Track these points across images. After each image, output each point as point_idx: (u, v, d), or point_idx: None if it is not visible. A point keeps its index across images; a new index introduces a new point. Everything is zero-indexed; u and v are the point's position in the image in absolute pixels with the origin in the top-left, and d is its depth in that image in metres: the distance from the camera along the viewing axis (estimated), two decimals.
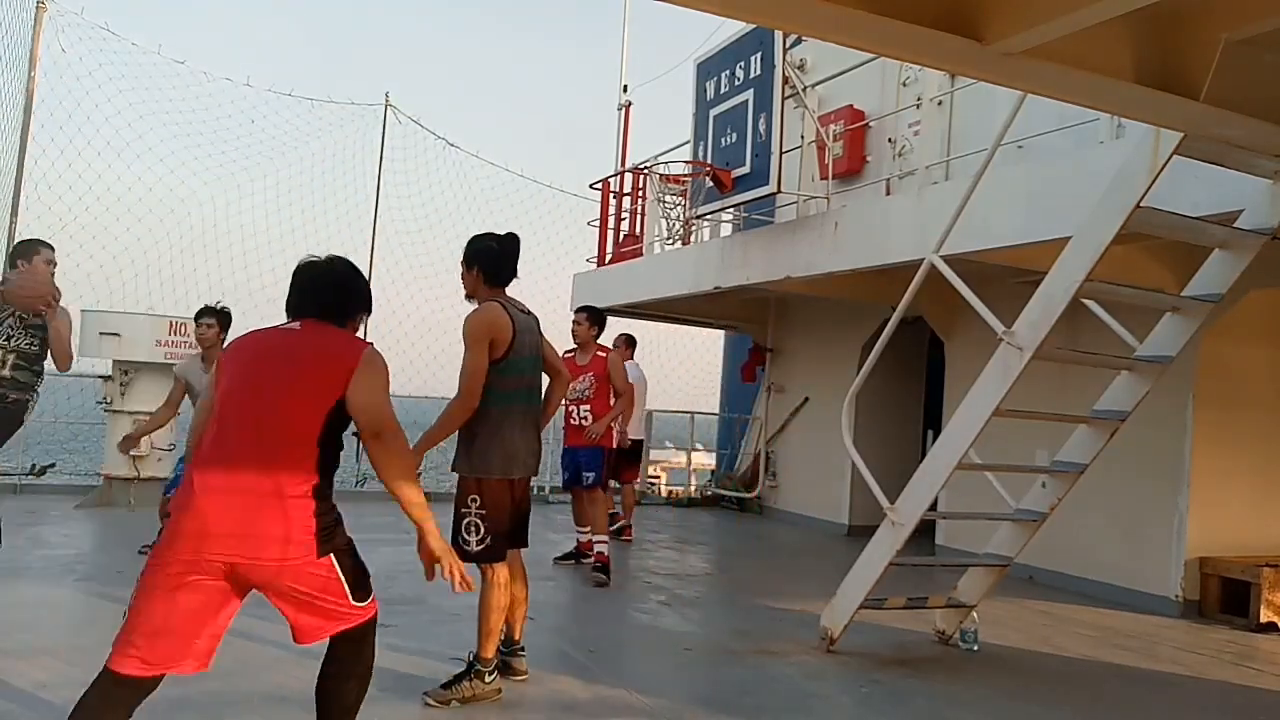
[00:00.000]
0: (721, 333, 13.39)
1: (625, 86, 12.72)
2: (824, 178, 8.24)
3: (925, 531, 7.08)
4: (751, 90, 7.99)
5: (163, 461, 8.16)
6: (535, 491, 9.43)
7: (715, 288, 8.87)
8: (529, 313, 4.05)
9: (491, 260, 3.95)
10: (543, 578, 6.32)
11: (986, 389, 4.59)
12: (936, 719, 4.04)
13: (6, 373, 4.52)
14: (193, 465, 2.54)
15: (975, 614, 5.17)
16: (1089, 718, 4.20)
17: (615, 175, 11.44)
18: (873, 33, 2.94)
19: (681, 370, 14.21)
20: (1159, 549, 6.49)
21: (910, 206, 6.75)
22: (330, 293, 2.80)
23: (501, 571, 3.83)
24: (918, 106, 7.65)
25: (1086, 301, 4.88)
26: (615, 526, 8.03)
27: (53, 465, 9.43)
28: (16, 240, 8.68)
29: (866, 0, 2.76)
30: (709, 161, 8.59)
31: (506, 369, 3.83)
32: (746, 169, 8.03)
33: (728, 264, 8.72)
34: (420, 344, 11.69)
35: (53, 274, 4.71)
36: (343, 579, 2.56)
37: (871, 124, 8.78)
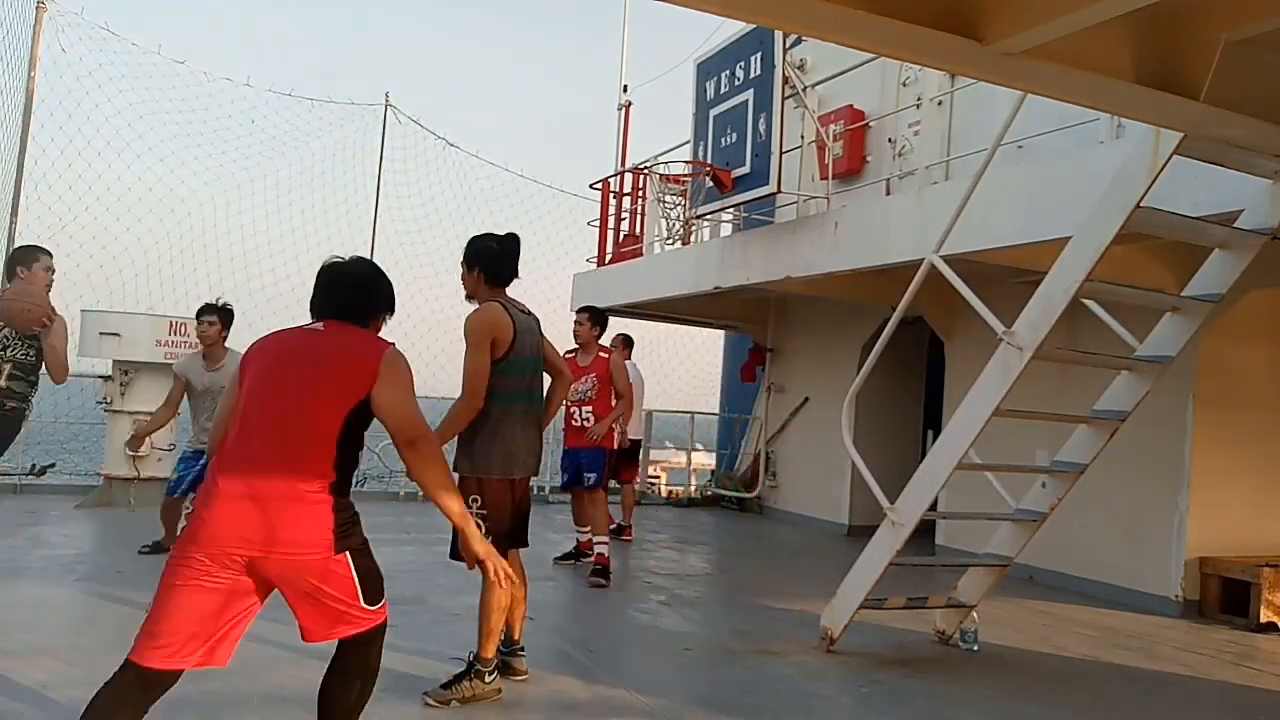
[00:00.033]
0: (721, 333, 13.39)
1: (625, 86, 12.72)
2: (824, 178, 8.23)
3: (925, 531, 7.08)
4: (751, 90, 7.99)
5: (162, 461, 8.15)
6: (535, 491, 9.43)
7: (715, 288, 8.87)
8: (529, 313, 4.05)
9: (492, 261, 3.95)
10: (543, 578, 6.32)
11: (986, 389, 4.59)
12: (936, 719, 4.04)
13: (3, 383, 4.52)
14: (216, 463, 2.58)
15: (975, 614, 5.17)
16: (1089, 718, 4.20)
17: (615, 175, 11.43)
18: (873, 33, 2.94)
19: (681, 370, 14.23)
20: (1159, 549, 6.49)
21: (910, 206, 6.75)
22: (350, 293, 2.83)
23: None
24: (918, 106, 7.65)
25: (1086, 301, 4.88)
26: (612, 528, 8.02)
27: (53, 465, 9.43)
28: (16, 241, 8.73)
29: (866, 0, 2.76)
30: (709, 161, 8.59)
31: (507, 369, 3.83)
32: (746, 169, 8.03)
33: (728, 264, 8.72)
34: (420, 344, 11.68)
35: (51, 281, 4.71)
36: (356, 579, 2.57)
37: (871, 124, 8.78)
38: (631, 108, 12.66)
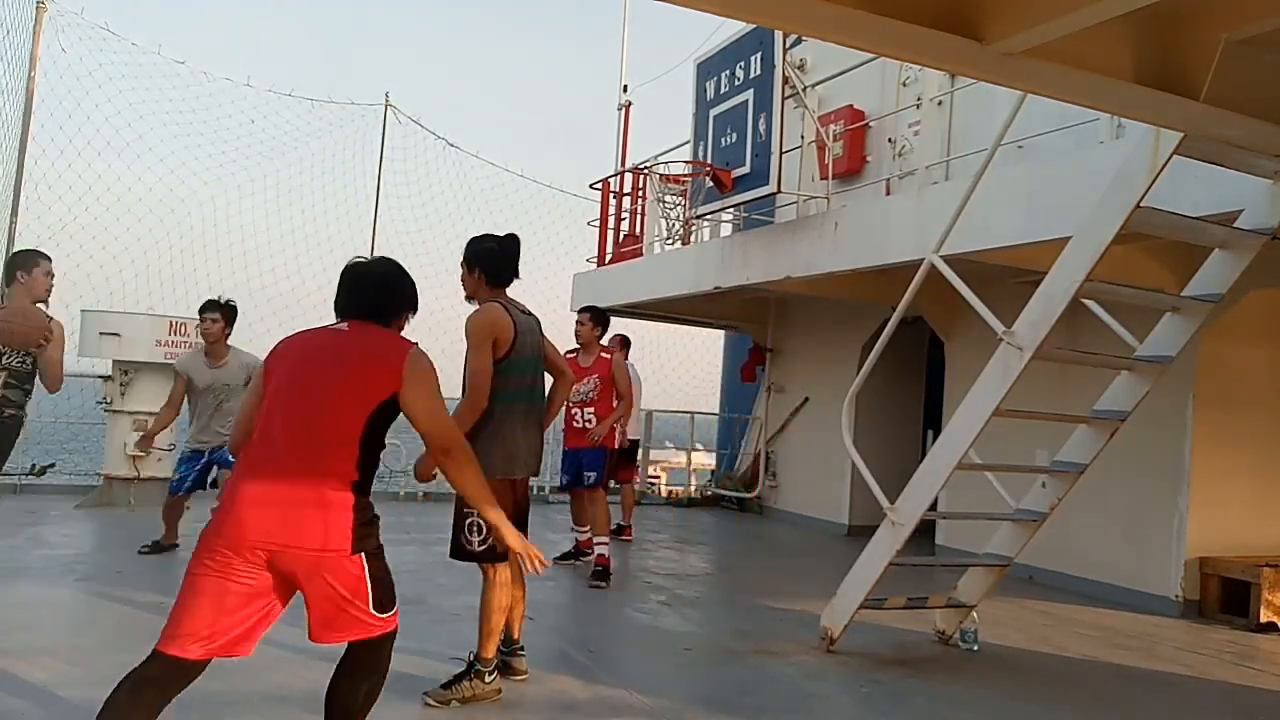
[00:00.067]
0: (721, 333, 13.39)
1: (625, 86, 12.72)
2: (824, 178, 8.23)
3: (925, 531, 7.08)
4: (751, 90, 7.98)
5: (162, 462, 8.15)
6: (535, 491, 9.43)
7: (715, 288, 8.87)
8: (530, 313, 4.06)
9: (493, 261, 3.96)
10: (542, 578, 6.31)
11: (986, 389, 4.59)
12: (936, 719, 4.04)
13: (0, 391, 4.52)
14: (241, 461, 2.63)
15: (975, 614, 5.17)
16: (1089, 718, 4.20)
17: (615, 175, 11.44)
18: (873, 33, 2.94)
19: (681, 370, 14.23)
20: (1159, 549, 6.49)
21: (910, 206, 6.75)
22: (373, 293, 2.86)
23: (503, 571, 3.84)
24: (918, 106, 7.65)
25: (1086, 301, 4.88)
26: (612, 528, 8.02)
27: (53, 465, 9.41)
28: (16, 242, 8.72)
29: (866, 0, 2.76)
30: (709, 161, 8.59)
31: (508, 369, 3.84)
32: (746, 169, 8.03)
33: (728, 264, 8.72)
34: (420, 344, 11.68)
35: (51, 286, 4.71)
36: (369, 584, 2.59)
37: (871, 124, 8.78)
38: (631, 108, 12.66)
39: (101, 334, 8.23)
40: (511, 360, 3.85)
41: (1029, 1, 2.85)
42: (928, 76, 7.47)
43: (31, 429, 8.00)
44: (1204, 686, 4.82)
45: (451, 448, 2.76)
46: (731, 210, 9.40)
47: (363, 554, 2.57)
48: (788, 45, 7.83)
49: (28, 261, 4.64)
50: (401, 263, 3.02)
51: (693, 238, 10.07)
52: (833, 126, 8.67)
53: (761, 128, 7.80)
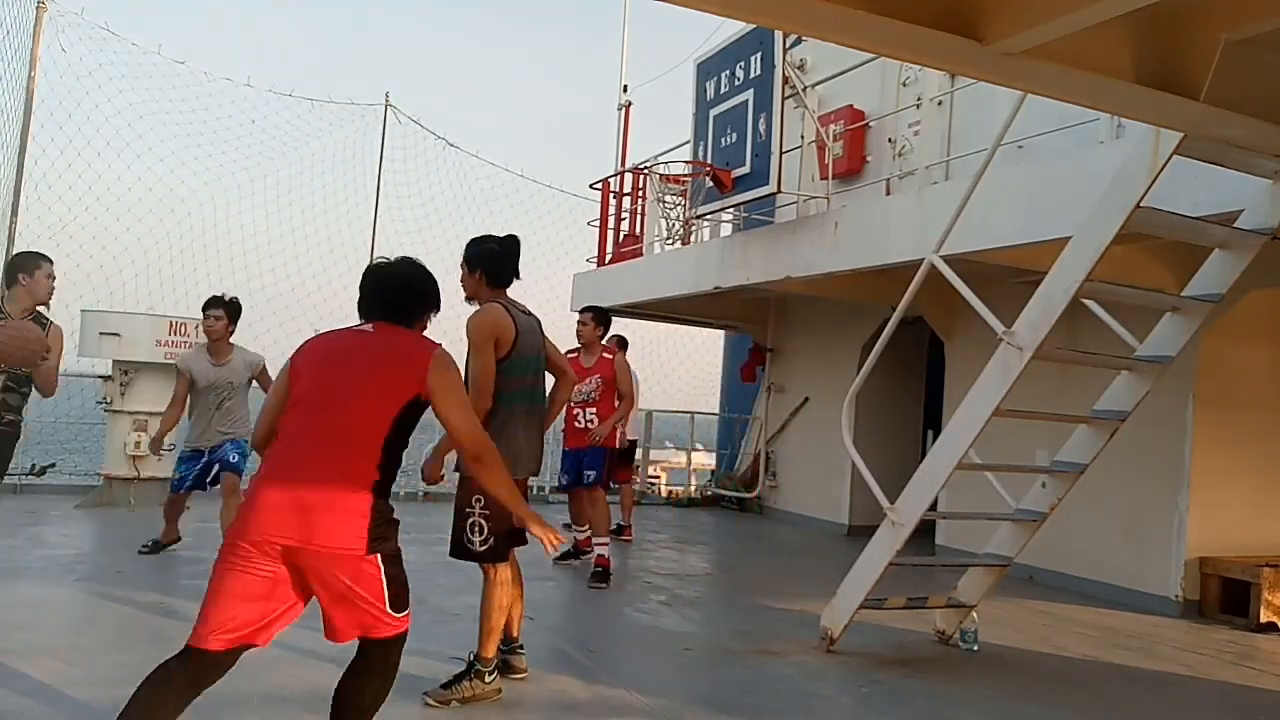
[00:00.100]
0: (721, 333, 13.39)
1: (625, 86, 12.72)
2: (824, 178, 8.23)
3: (925, 531, 7.08)
4: (751, 90, 7.98)
5: (162, 461, 8.14)
6: (535, 491, 9.44)
7: (715, 288, 8.87)
8: (530, 314, 4.06)
9: (493, 262, 3.97)
10: (542, 578, 6.32)
11: (986, 389, 4.59)
12: (936, 719, 4.04)
13: None
14: (265, 459, 2.69)
15: (975, 614, 5.17)
16: (1089, 718, 4.20)
17: (615, 175, 11.44)
18: (873, 33, 2.94)
19: (681, 370, 14.23)
20: (1159, 549, 6.49)
21: (910, 206, 6.75)
22: (397, 295, 2.90)
23: (504, 571, 3.85)
24: (918, 106, 7.65)
25: (1086, 301, 4.88)
26: (612, 528, 8.02)
27: (53, 465, 9.41)
28: (16, 242, 8.71)
29: (866, 0, 2.76)
30: (709, 161, 8.59)
31: (510, 369, 3.85)
32: (746, 169, 8.03)
33: (728, 264, 8.72)
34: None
35: (53, 288, 4.70)
36: (385, 584, 2.62)
37: (871, 124, 8.78)
38: (631, 108, 12.67)
39: (101, 334, 8.23)
40: (513, 361, 3.86)
41: (1029, 1, 2.85)
42: (928, 76, 7.47)
43: (31, 429, 8.01)
44: (1204, 686, 4.82)
45: (483, 454, 2.84)
46: (731, 210, 9.40)
47: (379, 555, 2.60)
48: (788, 45, 7.83)
49: (30, 263, 4.63)
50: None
51: (693, 238, 10.07)
52: (833, 126, 8.67)
53: (761, 128, 7.80)
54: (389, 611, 2.65)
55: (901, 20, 2.81)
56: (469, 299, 4.00)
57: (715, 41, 8.68)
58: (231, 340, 6.11)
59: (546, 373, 4.18)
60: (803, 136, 8.47)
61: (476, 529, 3.78)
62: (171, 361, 7.32)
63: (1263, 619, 6.02)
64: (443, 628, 4.83)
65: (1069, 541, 6.80)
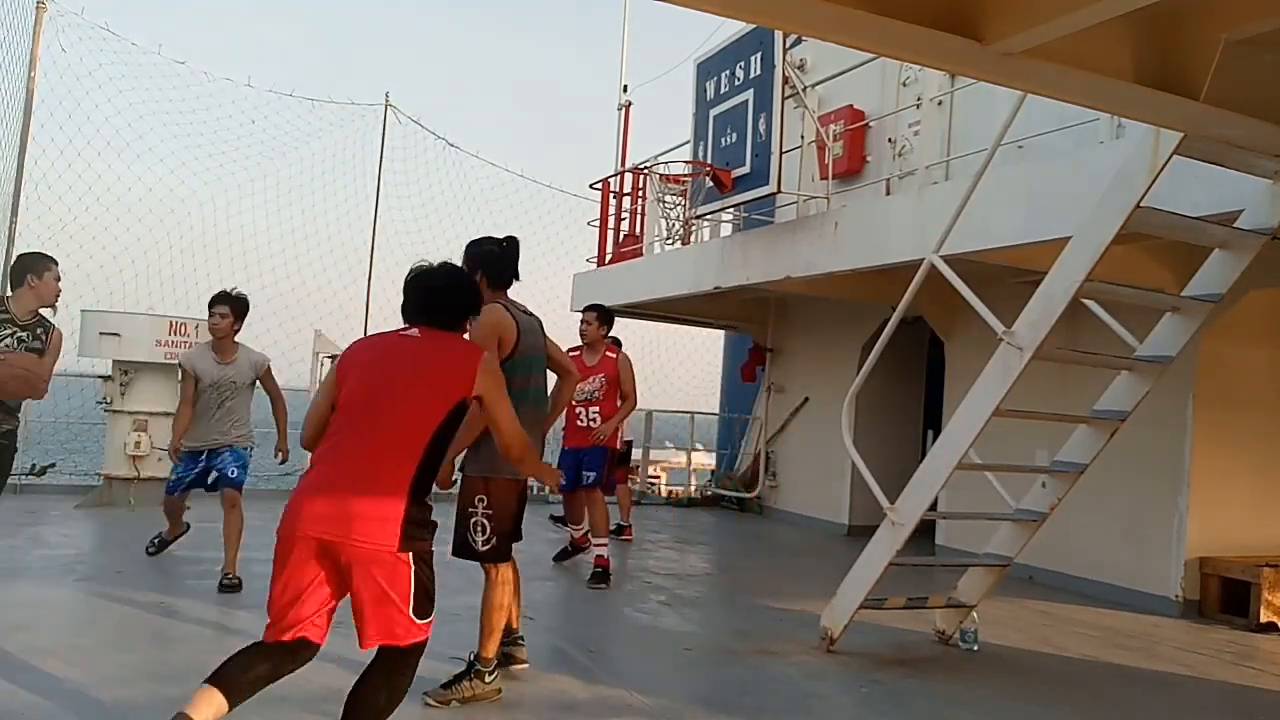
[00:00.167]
0: (721, 333, 13.39)
1: (625, 86, 12.72)
2: (824, 178, 8.23)
3: (925, 531, 7.08)
4: (751, 90, 7.98)
5: (162, 461, 8.14)
6: (534, 491, 9.42)
7: (715, 288, 8.87)
8: (531, 314, 4.07)
9: (494, 264, 3.99)
10: (542, 577, 6.32)
11: (986, 389, 4.59)
12: (936, 719, 4.04)
13: None
14: (313, 457, 2.81)
15: (975, 614, 5.17)
16: (1089, 718, 4.20)
17: (615, 175, 11.44)
18: (873, 33, 2.94)
19: (681, 370, 14.24)
20: (1159, 549, 6.49)
21: (910, 206, 6.75)
22: (440, 299, 2.98)
23: (505, 570, 3.85)
24: (918, 106, 7.65)
25: (1086, 301, 4.87)
26: (612, 528, 8.01)
27: (53, 465, 9.41)
28: (16, 242, 8.71)
29: (866, 0, 2.76)
30: (709, 161, 8.59)
31: (511, 369, 3.83)
32: (746, 169, 8.03)
33: (728, 264, 8.72)
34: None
35: (60, 290, 4.69)
36: (413, 585, 2.66)
37: (871, 124, 8.77)
38: (631, 108, 12.67)
39: (101, 334, 8.22)
40: (515, 361, 3.86)
41: (1029, 1, 2.85)
42: (928, 76, 7.47)
43: (31, 429, 8.00)
44: (1204, 686, 4.82)
45: (526, 455, 3.08)
46: (731, 210, 9.40)
47: (410, 554, 2.64)
48: (788, 45, 7.83)
49: (39, 265, 4.60)
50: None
51: (693, 238, 10.07)
52: (833, 126, 8.67)
53: (761, 128, 7.80)
54: (410, 615, 2.67)
55: (901, 20, 2.81)
56: None
57: (715, 41, 8.69)
58: (236, 339, 5.97)
59: (548, 372, 4.19)
60: (803, 136, 8.47)
61: (479, 529, 3.79)
62: (172, 362, 7.29)
63: (1263, 619, 6.02)
64: (443, 628, 4.78)
65: (1069, 541, 6.80)
